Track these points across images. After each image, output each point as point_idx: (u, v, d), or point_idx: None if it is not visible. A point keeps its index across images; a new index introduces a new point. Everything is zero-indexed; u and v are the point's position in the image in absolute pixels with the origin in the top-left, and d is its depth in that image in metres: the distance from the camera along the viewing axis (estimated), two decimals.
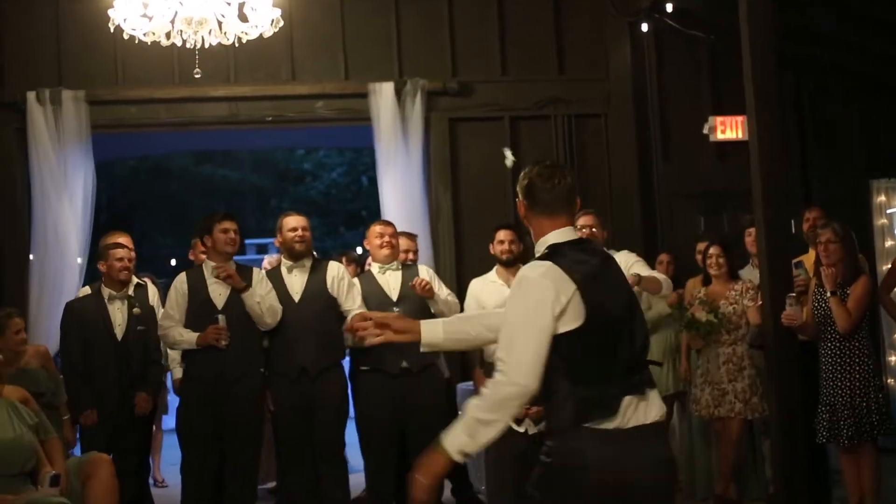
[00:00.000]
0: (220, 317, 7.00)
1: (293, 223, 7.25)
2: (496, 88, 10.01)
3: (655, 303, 8.70)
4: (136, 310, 7.34)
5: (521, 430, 6.96)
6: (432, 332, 3.82)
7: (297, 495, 7.18)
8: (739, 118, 9.46)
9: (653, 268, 8.75)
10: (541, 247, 3.68)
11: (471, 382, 7.60)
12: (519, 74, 10.07)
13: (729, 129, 9.73)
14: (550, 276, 3.48)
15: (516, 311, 3.50)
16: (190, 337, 6.95)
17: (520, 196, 3.76)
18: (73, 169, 9.39)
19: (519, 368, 3.42)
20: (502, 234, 7.30)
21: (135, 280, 7.56)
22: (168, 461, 10.09)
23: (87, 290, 7.62)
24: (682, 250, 9.26)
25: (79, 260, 9.24)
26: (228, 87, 9.80)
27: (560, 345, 3.46)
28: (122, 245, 7.38)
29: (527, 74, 10.07)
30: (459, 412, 3.53)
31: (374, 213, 10.40)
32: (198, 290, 7.01)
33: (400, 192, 9.53)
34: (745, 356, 7.45)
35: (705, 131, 9.71)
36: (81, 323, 7.20)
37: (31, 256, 9.26)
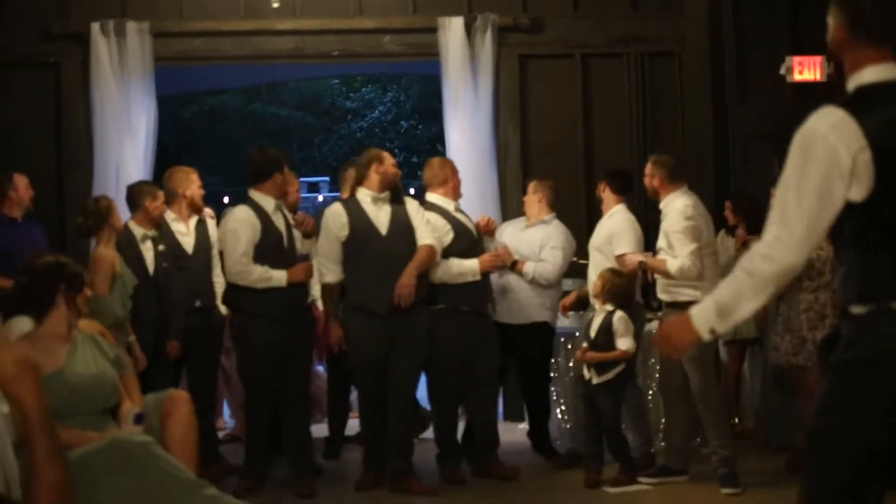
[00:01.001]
0: (308, 255, 7.01)
1: (391, 159, 7.08)
2: (568, 25, 9.77)
3: (726, 248, 8.50)
4: (160, 247, 7.20)
5: (587, 376, 6.88)
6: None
7: (373, 443, 7.06)
8: (818, 58, 9.19)
9: (721, 212, 8.56)
10: (851, 85, 3.14)
11: None
12: (592, 10, 9.83)
13: (807, 69, 9.42)
14: (839, 130, 2.97)
15: (791, 174, 3.03)
16: (280, 275, 6.78)
17: (835, 16, 3.18)
18: (135, 103, 9.30)
19: (789, 244, 3.03)
20: None
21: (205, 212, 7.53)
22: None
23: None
24: (757, 195, 9.01)
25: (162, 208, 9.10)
26: (295, 20, 9.63)
27: (851, 215, 3.02)
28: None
29: (600, 10, 9.84)
30: None
31: (417, 152, 10.22)
32: (270, 228, 6.84)
33: (467, 130, 9.32)
34: (829, 304, 7.22)
35: (782, 72, 9.41)
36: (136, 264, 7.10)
37: (93, 192, 9.15)
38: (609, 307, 6.94)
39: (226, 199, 22.02)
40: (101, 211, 7.18)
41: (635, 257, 6.96)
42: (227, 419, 9.52)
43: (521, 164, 9.52)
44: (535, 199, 7.90)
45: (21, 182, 7.86)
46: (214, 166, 26.98)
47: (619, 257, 7.19)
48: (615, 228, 7.31)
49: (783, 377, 7.83)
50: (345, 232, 6.85)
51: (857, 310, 3.05)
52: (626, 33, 9.75)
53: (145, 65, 9.31)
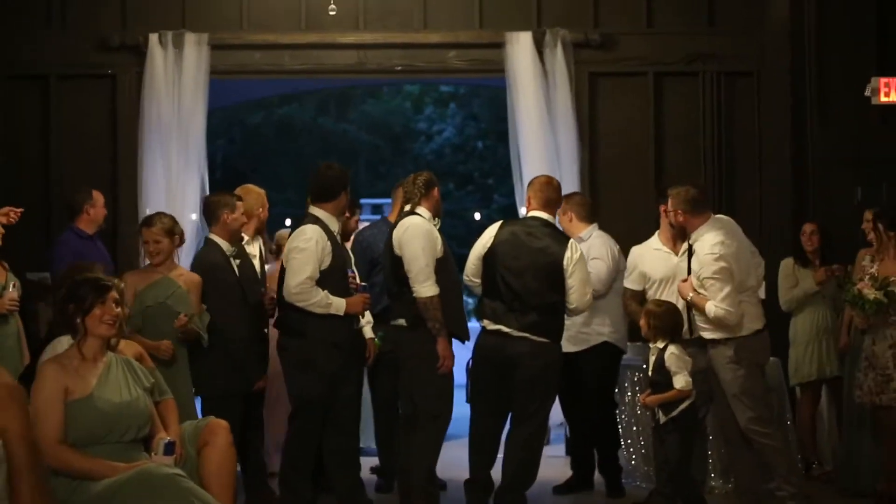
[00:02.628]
0: (366, 285, 6.77)
1: None
2: (641, 41, 9.42)
3: (803, 278, 8.05)
4: (237, 261, 6.91)
5: (657, 415, 6.52)
6: None
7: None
8: None
9: (798, 239, 8.11)
10: None
11: None
12: (666, 26, 9.47)
13: (894, 91, 8.94)
14: None
15: None
16: (339, 303, 6.47)
17: None
18: (188, 115, 9.06)
19: None
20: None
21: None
22: None
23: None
24: (836, 222, 8.54)
25: (193, 216, 8.87)
26: (357, 34, 9.38)
27: None
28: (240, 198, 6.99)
29: (674, 26, 9.47)
30: None
31: (486, 173, 9.90)
32: (337, 251, 6.55)
33: (537, 151, 8.95)
34: None
35: (867, 93, 8.93)
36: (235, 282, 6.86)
37: (146, 209, 8.92)
38: (660, 343, 6.57)
39: (287, 222, 21.85)
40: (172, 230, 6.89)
41: (687, 287, 6.54)
42: None
43: (589, 182, 9.11)
44: (565, 220, 7.65)
45: (99, 199, 7.87)
46: (282, 182, 26.94)
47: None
48: (707, 262, 6.66)
49: (865, 417, 7.37)
50: (438, 248, 6.59)
51: None
52: (701, 51, 9.36)
53: (201, 77, 9.09)
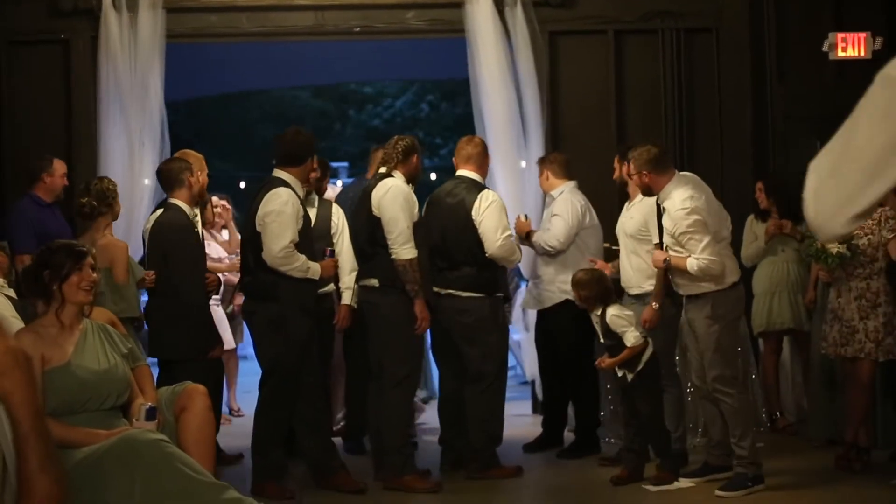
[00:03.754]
0: (335, 251, 6.84)
1: None
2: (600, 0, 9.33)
3: (760, 233, 8.13)
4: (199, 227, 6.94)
5: (620, 374, 6.56)
6: None
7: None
8: (863, 35, 8.79)
9: (754, 194, 8.19)
10: None
11: None
12: None
13: (851, 46, 8.99)
14: None
15: (847, 126, 2.29)
16: (315, 268, 6.45)
17: None
18: (145, 81, 8.89)
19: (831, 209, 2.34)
20: None
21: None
22: (243, 388, 9.70)
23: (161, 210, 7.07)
24: (796, 177, 8.59)
25: (146, 181, 8.75)
26: None
27: None
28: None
29: None
30: None
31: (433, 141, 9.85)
32: (306, 215, 6.52)
33: (498, 111, 8.90)
34: (882, 292, 6.83)
35: (825, 48, 8.98)
36: (199, 245, 6.78)
37: (106, 174, 8.78)
38: (598, 310, 6.62)
39: (241, 185, 21.72)
40: (106, 192, 6.94)
41: (660, 255, 6.55)
42: None
43: (551, 142, 9.08)
44: (542, 179, 7.83)
45: (60, 168, 7.82)
46: (226, 150, 26.67)
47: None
48: (650, 214, 6.86)
49: (832, 369, 7.46)
50: (415, 211, 6.64)
51: None
52: (661, 8, 9.29)
53: (157, 40, 8.90)
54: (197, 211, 6.98)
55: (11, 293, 5.77)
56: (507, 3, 8.97)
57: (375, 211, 6.55)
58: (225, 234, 9.18)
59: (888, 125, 2.25)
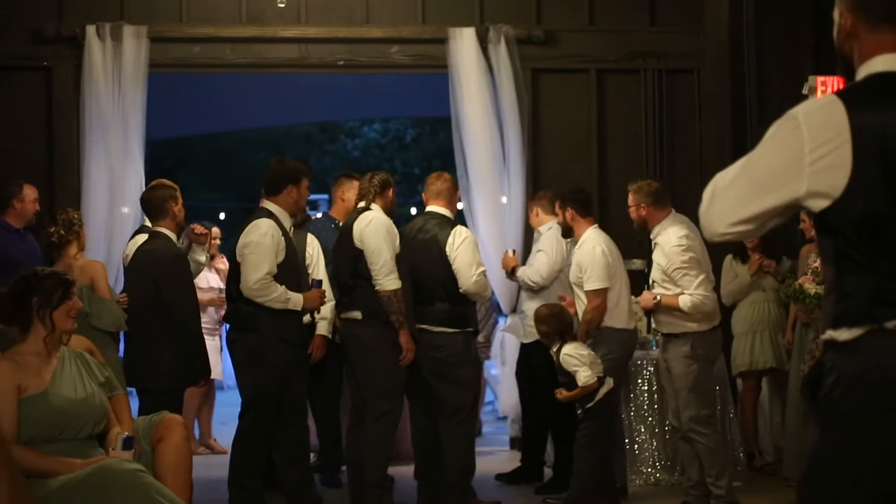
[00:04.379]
0: (322, 281, 6.75)
1: None
2: (583, 38, 9.43)
3: (741, 272, 8.17)
4: (201, 257, 6.97)
5: (578, 410, 6.57)
6: None
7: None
8: (842, 79, 8.83)
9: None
10: (859, 75, 2.68)
11: None
12: (607, 24, 9.48)
13: (830, 89, 9.06)
14: (816, 117, 2.52)
15: (753, 151, 2.62)
16: (297, 299, 6.42)
17: (841, 4, 2.72)
18: (128, 110, 8.89)
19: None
20: None
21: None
22: (219, 420, 9.63)
23: (143, 236, 7.03)
24: None
25: (125, 209, 8.74)
26: (299, 27, 9.28)
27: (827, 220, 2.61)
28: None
29: (616, 24, 9.49)
30: None
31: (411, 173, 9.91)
32: (290, 246, 6.50)
33: (480, 146, 8.94)
34: None
35: (805, 91, 9.04)
36: (187, 272, 6.77)
37: (88, 201, 8.77)
38: (555, 347, 6.62)
39: (221, 216, 21.67)
40: (72, 221, 6.98)
41: (649, 297, 6.58)
42: None
43: (532, 179, 9.12)
44: (532, 215, 7.92)
45: (30, 194, 7.73)
46: (209, 181, 26.60)
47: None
48: (582, 262, 6.91)
49: (808, 409, 7.47)
50: (397, 243, 6.60)
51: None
52: (643, 48, 9.40)
53: (140, 70, 8.90)
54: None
55: None
56: (490, 39, 9.04)
57: (358, 243, 6.53)
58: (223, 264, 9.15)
59: (783, 154, 2.56)
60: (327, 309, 6.94)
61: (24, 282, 4.86)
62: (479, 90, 8.95)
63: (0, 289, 5.01)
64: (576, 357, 6.47)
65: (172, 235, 6.73)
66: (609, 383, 6.53)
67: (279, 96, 11.57)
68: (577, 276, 6.99)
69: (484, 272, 6.90)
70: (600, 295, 6.77)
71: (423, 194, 7.20)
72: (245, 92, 11.25)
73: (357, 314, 6.58)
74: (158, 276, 6.55)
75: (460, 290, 6.75)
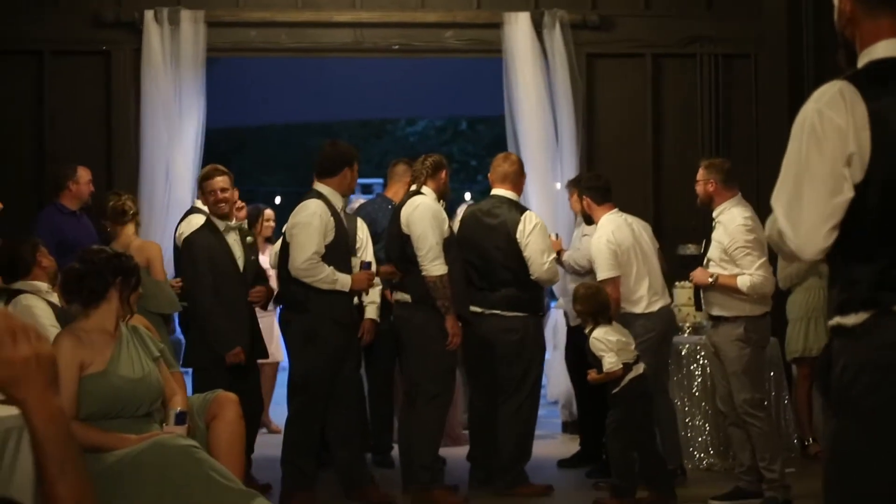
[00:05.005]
0: (371, 263, 6.75)
1: None
2: (638, 23, 9.36)
3: None
4: (249, 238, 6.92)
5: None
6: None
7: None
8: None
9: None
10: (861, 61, 2.74)
11: None
12: (664, 9, 9.41)
13: None
14: (836, 105, 2.59)
15: (792, 158, 2.68)
16: (344, 280, 6.45)
17: None
18: (187, 94, 8.99)
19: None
20: None
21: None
22: (275, 400, 9.69)
23: (193, 221, 7.12)
24: None
25: (181, 192, 8.83)
26: (354, 12, 9.30)
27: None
28: (216, 175, 6.85)
29: (672, 9, 9.40)
30: None
31: (469, 156, 9.90)
32: (340, 227, 6.53)
33: (533, 132, 8.93)
34: None
35: None
36: (211, 257, 6.74)
37: (146, 185, 8.88)
38: (588, 328, 6.60)
39: (277, 200, 21.87)
40: (125, 210, 7.09)
41: (704, 274, 6.55)
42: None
43: (588, 164, 9.09)
44: (572, 200, 7.84)
45: (84, 176, 7.84)
46: (267, 165, 26.76)
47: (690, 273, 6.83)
48: (592, 252, 7.06)
49: None
50: (445, 228, 6.62)
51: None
52: (699, 33, 9.32)
53: (198, 55, 9.00)
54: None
55: (55, 298, 5.77)
56: (545, 24, 9.01)
57: (405, 228, 6.57)
58: None
59: (825, 143, 2.61)
60: (376, 293, 6.98)
61: (107, 261, 4.91)
62: (534, 75, 8.94)
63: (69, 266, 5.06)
64: (603, 342, 6.46)
65: (219, 222, 6.80)
66: (638, 369, 6.50)
67: (334, 90, 11.68)
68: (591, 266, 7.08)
69: (554, 259, 6.96)
70: (610, 284, 6.83)
71: (489, 175, 7.20)
72: (301, 85, 11.36)
73: (407, 297, 6.63)
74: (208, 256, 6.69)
75: (532, 277, 6.79)
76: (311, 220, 6.37)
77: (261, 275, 7.03)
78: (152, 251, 7.00)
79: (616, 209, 7.21)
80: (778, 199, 2.70)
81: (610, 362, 6.42)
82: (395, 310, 6.84)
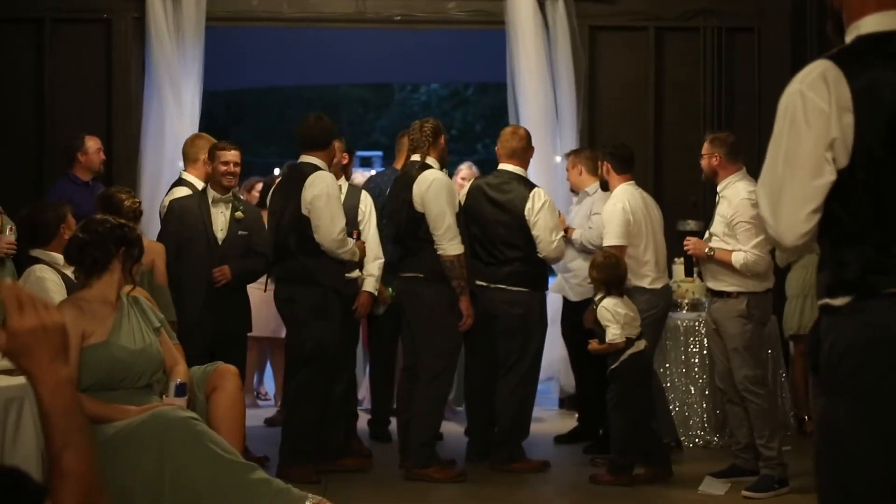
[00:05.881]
0: (362, 233, 6.84)
1: None
2: None
3: None
4: (238, 213, 6.80)
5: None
6: None
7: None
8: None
9: None
10: (848, 37, 2.72)
11: None
12: None
13: None
14: (818, 87, 2.60)
15: (775, 142, 2.67)
16: (354, 250, 6.55)
17: None
18: (188, 63, 8.96)
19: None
20: None
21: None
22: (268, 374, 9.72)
23: (185, 189, 7.10)
24: None
25: (180, 163, 8.80)
26: None
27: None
28: (231, 148, 6.82)
29: None
30: None
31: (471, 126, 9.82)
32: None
33: (536, 105, 8.89)
34: None
35: None
36: (182, 223, 6.71)
37: (146, 154, 8.86)
38: (598, 295, 6.61)
39: (276, 171, 21.87)
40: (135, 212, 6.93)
41: (702, 245, 6.54)
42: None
43: (588, 137, 9.07)
44: (574, 172, 7.79)
45: (93, 145, 7.82)
46: (265, 136, 26.70)
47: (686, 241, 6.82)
48: (604, 218, 7.07)
49: None
50: (457, 203, 6.67)
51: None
52: (702, 6, 9.27)
53: (200, 24, 8.96)
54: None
55: (70, 272, 5.68)
56: None
57: (419, 206, 6.51)
58: None
59: (806, 127, 2.60)
60: (375, 266, 6.95)
61: (110, 230, 4.88)
62: (535, 47, 8.89)
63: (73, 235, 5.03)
64: (611, 313, 6.47)
65: (209, 192, 6.79)
66: (639, 345, 6.51)
67: (334, 57, 11.61)
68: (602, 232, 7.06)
69: (563, 237, 6.95)
70: (618, 252, 6.82)
71: (496, 148, 7.15)
72: (302, 50, 11.29)
73: (420, 274, 6.59)
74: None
75: (539, 255, 6.78)
76: (333, 192, 6.40)
77: (250, 250, 6.80)
78: (158, 253, 6.75)
79: (633, 181, 7.19)
80: (762, 185, 2.71)
81: (614, 333, 6.43)
82: (404, 284, 6.74)
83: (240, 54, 11.31)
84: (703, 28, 9.26)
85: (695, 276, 7.08)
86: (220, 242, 6.70)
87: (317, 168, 6.48)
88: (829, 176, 2.60)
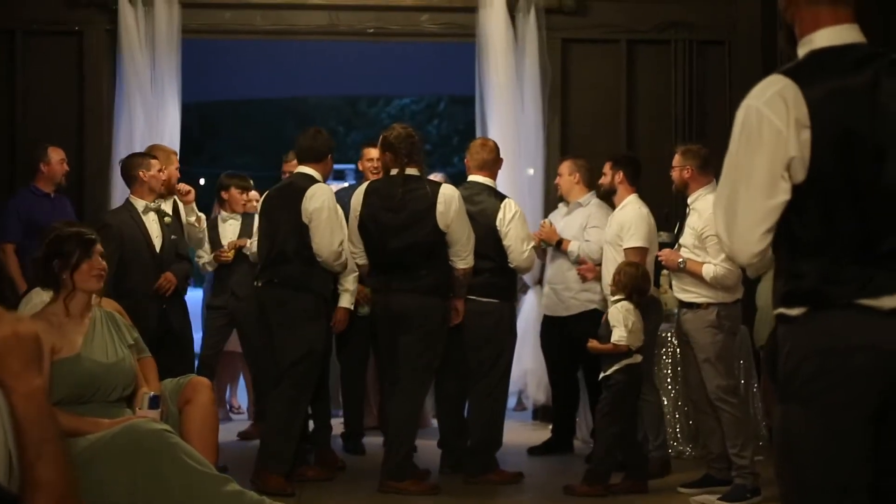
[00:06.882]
0: None
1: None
2: (613, 8, 9.34)
3: None
4: (167, 219, 6.96)
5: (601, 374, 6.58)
6: None
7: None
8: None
9: None
10: (801, 51, 2.78)
11: None
12: None
13: None
14: (776, 105, 2.65)
15: (732, 160, 2.73)
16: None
17: None
18: (161, 76, 8.93)
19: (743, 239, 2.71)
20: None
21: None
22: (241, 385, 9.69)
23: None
24: None
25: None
26: None
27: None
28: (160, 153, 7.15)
29: None
30: None
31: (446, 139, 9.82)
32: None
33: (505, 118, 8.92)
34: None
35: None
36: (122, 238, 6.75)
37: (112, 165, 8.83)
38: (616, 297, 6.59)
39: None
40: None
41: (675, 256, 6.57)
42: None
43: (560, 151, 9.10)
44: (571, 180, 7.69)
45: (55, 156, 7.77)
46: (239, 148, 26.67)
47: (657, 253, 6.85)
48: (626, 220, 7.01)
49: None
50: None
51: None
52: (674, 19, 9.33)
53: (173, 36, 8.94)
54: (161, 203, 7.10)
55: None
56: (520, 8, 9.00)
57: (443, 227, 6.50)
58: None
59: (761, 146, 2.62)
60: (351, 280, 6.95)
61: (47, 244, 4.91)
62: (505, 60, 8.92)
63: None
64: (622, 316, 6.47)
65: (139, 203, 6.90)
66: (636, 358, 6.53)
67: (308, 68, 11.63)
68: (617, 235, 7.00)
69: (534, 247, 6.96)
70: (640, 254, 6.83)
71: (465, 160, 7.18)
72: (275, 62, 11.30)
73: (422, 289, 6.55)
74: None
75: (510, 265, 6.81)
76: (333, 205, 6.50)
77: (182, 255, 7.09)
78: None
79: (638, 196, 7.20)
80: (717, 203, 2.75)
81: (620, 335, 6.44)
82: (393, 296, 6.59)
83: (213, 66, 11.30)
84: (675, 41, 9.32)
85: (665, 286, 7.11)
86: (157, 250, 6.88)
87: (314, 180, 6.58)
88: (784, 195, 2.64)
